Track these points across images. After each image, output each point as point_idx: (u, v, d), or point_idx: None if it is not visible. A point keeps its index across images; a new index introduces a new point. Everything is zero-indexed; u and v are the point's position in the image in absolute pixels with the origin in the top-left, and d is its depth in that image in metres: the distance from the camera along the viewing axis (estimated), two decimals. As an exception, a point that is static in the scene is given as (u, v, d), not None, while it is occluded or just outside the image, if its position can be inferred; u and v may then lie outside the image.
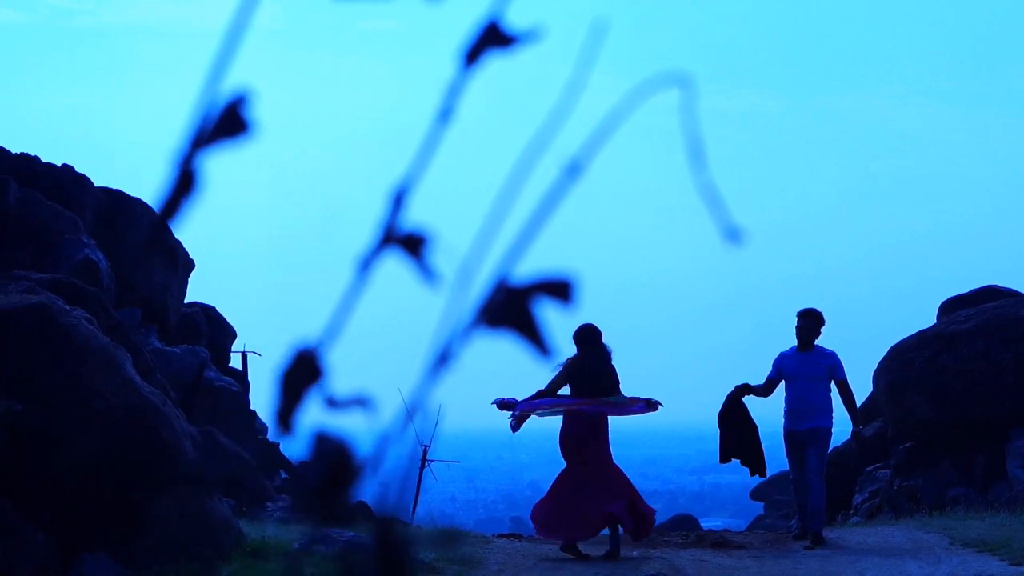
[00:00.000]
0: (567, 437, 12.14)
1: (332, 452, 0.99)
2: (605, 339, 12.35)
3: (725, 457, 13.04)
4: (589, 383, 12.07)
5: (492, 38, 1.01)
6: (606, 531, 12.18)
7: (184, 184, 0.97)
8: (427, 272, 0.99)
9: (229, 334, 19.71)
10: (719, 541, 13.39)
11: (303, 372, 0.96)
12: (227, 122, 0.98)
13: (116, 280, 16.43)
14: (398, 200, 0.97)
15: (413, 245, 0.99)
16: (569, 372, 12.07)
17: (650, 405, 12.26)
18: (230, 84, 0.99)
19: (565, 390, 12.24)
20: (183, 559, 9.77)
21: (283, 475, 17.90)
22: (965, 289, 20.70)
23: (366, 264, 0.97)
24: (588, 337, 12.22)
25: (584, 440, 12.02)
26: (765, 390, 13.04)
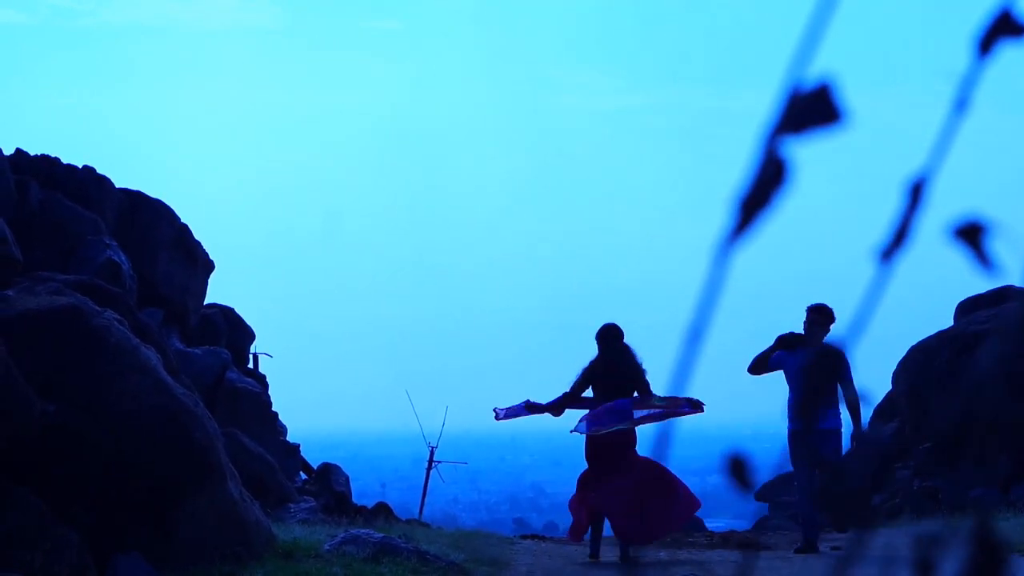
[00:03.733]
0: (591, 443, 11.90)
1: (875, 452, 0.98)
2: (627, 338, 12.13)
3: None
4: (611, 383, 11.89)
5: (1005, 27, 0.99)
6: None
7: (773, 173, 0.95)
8: (985, 262, 0.98)
9: (248, 335, 19.70)
10: (745, 542, 13.38)
11: (827, 367, 0.96)
12: (816, 109, 0.96)
13: (137, 281, 16.41)
14: (916, 191, 0.96)
15: (971, 234, 0.98)
16: (590, 373, 11.96)
17: (693, 406, 11.92)
18: (813, 70, 0.97)
19: (587, 393, 12.12)
20: (216, 560, 9.76)
21: (303, 476, 17.88)
22: (975, 289, 20.71)
23: (887, 256, 0.95)
24: (607, 336, 12.07)
25: (610, 447, 11.76)
26: (759, 365, 12.44)
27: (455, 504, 79.45)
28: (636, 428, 11.94)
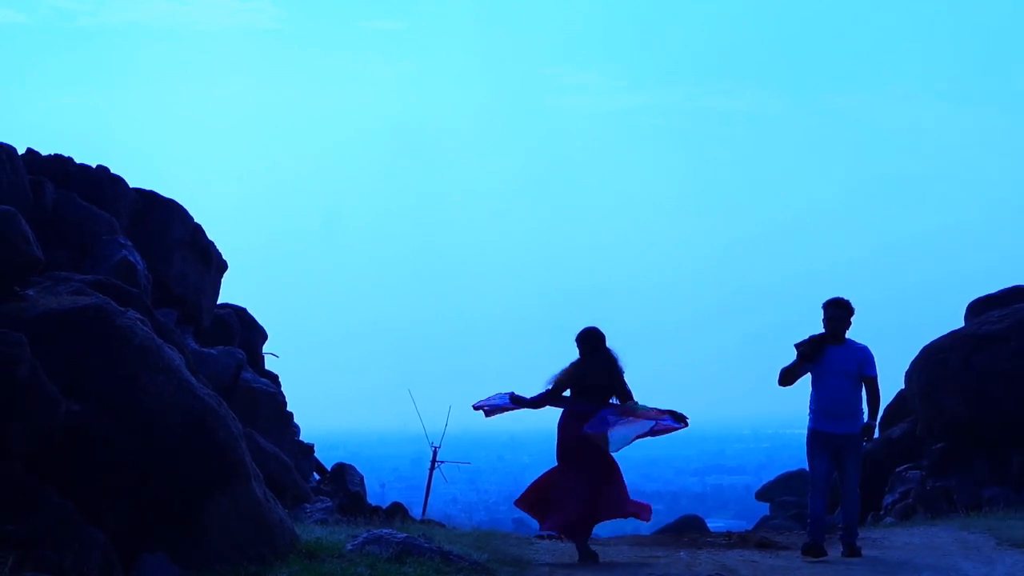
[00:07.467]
0: (565, 440, 11.75)
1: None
2: (610, 341, 11.88)
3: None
4: (590, 387, 11.72)
5: None
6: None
7: None
8: None
9: (261, 335, 19.64)
10: (763, 542, 13.36)
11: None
12: None
13: (151, 280, 16.36)
14: None
15: None
16: (570, 378, 11.72)
17: (677, 419, 11.67)
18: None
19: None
20: (241, 560, 9.72)
21: (315, 477, 17.83)
22: (986, 289, 20.76)
23: None
24: (591, 342, 11.82)
25: (580, 447, 11.60)
26: (788, 376, 11.97)
27: (454, 504, 79.43)
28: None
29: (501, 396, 12.10)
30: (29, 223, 12.72)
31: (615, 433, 11.49)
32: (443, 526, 15.21)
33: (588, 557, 11.62)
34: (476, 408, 12.17)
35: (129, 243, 15.91)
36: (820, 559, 11.66)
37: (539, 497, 11.83)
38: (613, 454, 11.57)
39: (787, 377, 12.03)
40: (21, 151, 17.21)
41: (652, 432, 11.62)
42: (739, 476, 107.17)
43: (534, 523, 12.42)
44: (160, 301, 16.46)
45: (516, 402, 11.98)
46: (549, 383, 11.82)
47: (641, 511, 11.77)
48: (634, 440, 11.55)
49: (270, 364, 20.36)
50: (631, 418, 11.62)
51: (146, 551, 9.59)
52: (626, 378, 11.85)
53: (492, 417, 12.27)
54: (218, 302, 19.80)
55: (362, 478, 17.64)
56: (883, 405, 21.08)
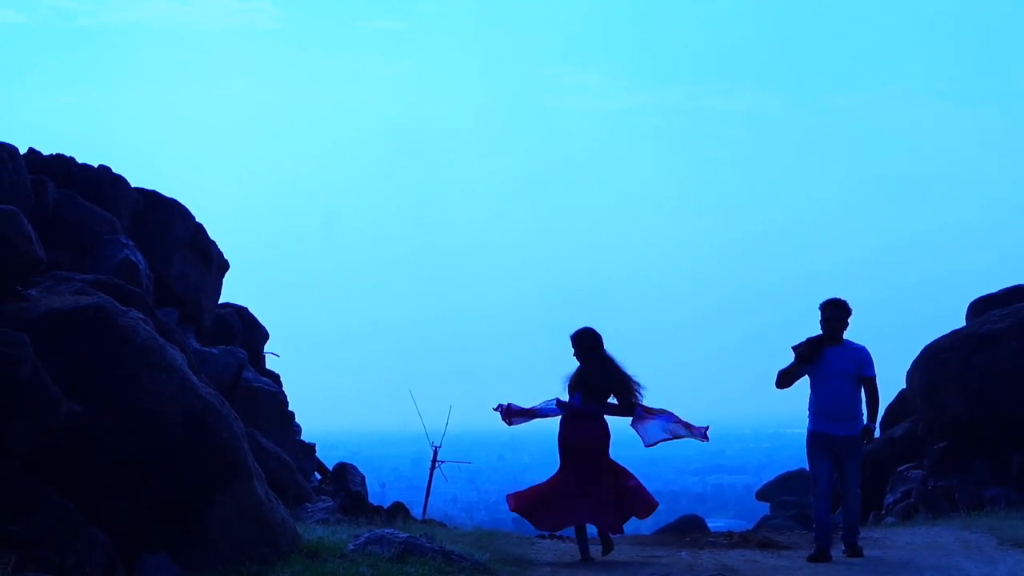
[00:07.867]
0: (565, 442, 11.74)
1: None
2: (609, 342, 11.82)
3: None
4: (592, 394, 11.67)
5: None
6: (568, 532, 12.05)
7: None
8: None
9: (262, 335, 19.63)
10: (765, 542, 13.35)
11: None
12: None
13: (152, 280, 16.35)
14: None
15: None
16: (575, 381, 11.69)
17: (688, 428, 11.80)
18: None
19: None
20: (243, 560, 9.71)
21: (317, 476, 17.82)
22: (987, 288, 20.77)
23: None
24: (587, 342, 11.75)
25: (583, 448, 11.63)
26: (786, 379, 11.88)
27: (454, 504, 79.38)
28: (608, 431, 11.81)
29: (548, 403, 11.95)
30: (31, 223, 12.74)
31: (652, 428, 11.68)
32: (444, 526, 15.20)
33: (608, 549, 11.68)
34: (511, 417, 12.00)
35: (131, 243, 15.91)
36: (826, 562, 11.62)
37: (538, 501, 11.77)
38: (648, 448, 11.76)
39: (785, 379, 11.94)
40: (22, 151, 17.21)
41: (700, 437, 11.79)
42: (739, 476, 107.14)
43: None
44: (161, 301, 16.44)
45: (563, 407, 11.81)
46: (565, 384, 11.80)
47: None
48: (674, 439, 11.77)
49: (271, 364, 20.37)
50: (662, 419, 11.71)
51: (147, 551, 9.58)
52: (637, 385, 11.81)
53: (513, 424, 12.10)
54: (219, 302, 19.80)
55: (363, 478, 17.63)
56: (884, 405, 21.19)
